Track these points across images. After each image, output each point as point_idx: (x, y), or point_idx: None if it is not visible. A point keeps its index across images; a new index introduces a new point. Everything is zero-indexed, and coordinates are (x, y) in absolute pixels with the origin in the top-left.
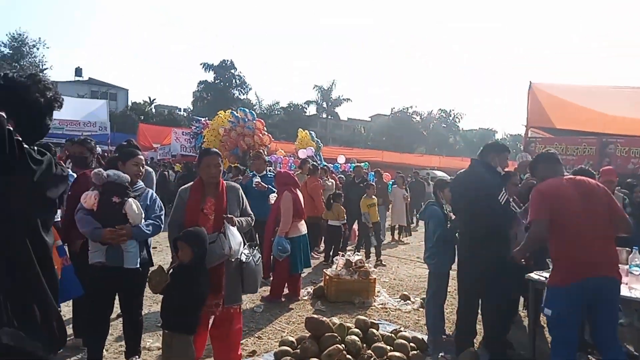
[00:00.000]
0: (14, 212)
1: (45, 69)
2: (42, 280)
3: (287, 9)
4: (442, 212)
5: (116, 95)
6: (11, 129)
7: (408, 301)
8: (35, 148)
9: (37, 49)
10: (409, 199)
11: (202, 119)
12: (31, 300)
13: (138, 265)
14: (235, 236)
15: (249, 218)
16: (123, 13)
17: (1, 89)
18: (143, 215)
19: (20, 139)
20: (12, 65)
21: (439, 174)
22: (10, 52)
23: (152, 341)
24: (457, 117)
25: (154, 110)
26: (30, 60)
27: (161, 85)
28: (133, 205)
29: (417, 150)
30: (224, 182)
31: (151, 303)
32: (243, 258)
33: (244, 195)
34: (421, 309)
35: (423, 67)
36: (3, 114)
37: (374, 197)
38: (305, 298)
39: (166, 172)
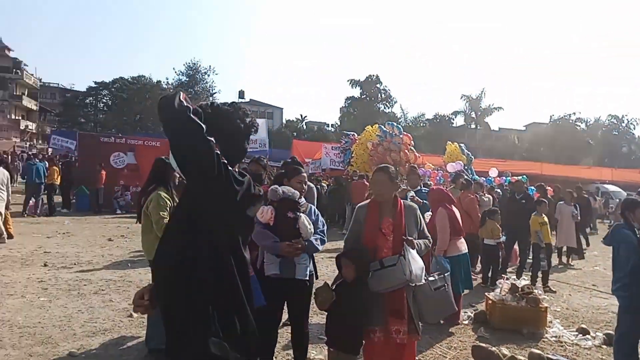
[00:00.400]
0: (219, 230)
1: (215, 93)
2: (242, 294)
3: (430, 20)
4: (635, 237)
5: (272, 114)
6: (218, 152)
7: (587, 336)
8: (237, 170)
9: (208, 75)
10: (578, 218)
11: (351, 134)
12: (233, 313)
13: (307, 277)
14: (416, 260)
15: (427, 240)
16: (279, 39)
17: (209, 117)
18: (312, 230)
19: (225, 161)
20: (188, 91)
21: (612, 188)
22: (187, 79)
23: (315, 353)
24: (631, 124)
25: (305, 126)
26: (202, 85)
27: (311, 103)
28: (305, 220)
29: (582, 162)
30: (401, 200)
31: (311, 314)
32: (420, 282)
33: (421, 216)
34: (605, 347)
35: (585, 70)
36: (213, 139)
37: (544, 215)
38: (466, 322)
39: (318, 187)
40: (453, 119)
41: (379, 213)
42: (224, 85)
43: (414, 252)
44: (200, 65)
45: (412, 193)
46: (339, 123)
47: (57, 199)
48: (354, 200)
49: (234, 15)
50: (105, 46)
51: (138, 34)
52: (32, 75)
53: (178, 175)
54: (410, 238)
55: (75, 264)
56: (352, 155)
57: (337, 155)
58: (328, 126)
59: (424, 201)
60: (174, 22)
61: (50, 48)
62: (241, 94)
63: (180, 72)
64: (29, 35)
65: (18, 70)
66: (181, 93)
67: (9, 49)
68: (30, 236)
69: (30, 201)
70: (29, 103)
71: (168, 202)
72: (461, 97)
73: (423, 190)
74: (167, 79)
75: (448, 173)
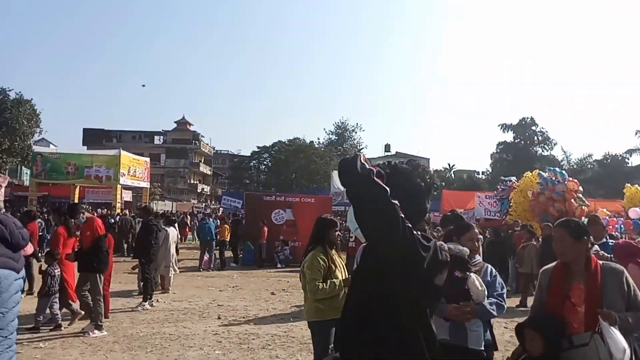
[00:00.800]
0: (405, 300)
1: (362, 148)
2: None
3: (588, 50)
4: None
5: None
6: (403, 216)
7: None
8: (419, 233)
9: (355, 132)
10: None
11: (509, 180)
12: None
13: (482, 347)
14: (616, 340)
15: None
16: (421, 88)
17: (388, 178)
18: (486, 292)
19: (410, 225)
20: (337, 148)
21: None
22: (336, 138)
23: None
24: None
25: (453, 175)
26: (350, 142)
27: (459, 151)
28: (476, 281)
29: None
30: (599, 262)
31: None
32: None
33: (631, 281)
34: None
35: None
36: (397, 202)
37: None
38: None
39: None
40: (628, 158)
41: (566, 278)
42: (370, 140)
43: (614, 329)
44: (348, 124)
45: (596, 247)
46: (490, 170)
47: (227, 253)
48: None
49: (375, 72)
50: (266, 113)
51: (294, 100)
52: (207, 144)
53: (338, 236)
54: (608, 311)
55: (243, 317)
56: (511, 203)
57: (493, 204)
58: (478, 174)
59: (611, 256)
60: (324, 86)
61: (222, 119)
62: (387, 148)
63: (330, 131)
64: (205, 109)
65: (196, 141)
66: (361, 155)
67: (190, 124)
68: (206, 289)
69: (205, 256)
70: (204, 169)
71: (322, 263)
72: (636, 134)
73: (610, 243)
74: (319, 138)
75: (631, 220)
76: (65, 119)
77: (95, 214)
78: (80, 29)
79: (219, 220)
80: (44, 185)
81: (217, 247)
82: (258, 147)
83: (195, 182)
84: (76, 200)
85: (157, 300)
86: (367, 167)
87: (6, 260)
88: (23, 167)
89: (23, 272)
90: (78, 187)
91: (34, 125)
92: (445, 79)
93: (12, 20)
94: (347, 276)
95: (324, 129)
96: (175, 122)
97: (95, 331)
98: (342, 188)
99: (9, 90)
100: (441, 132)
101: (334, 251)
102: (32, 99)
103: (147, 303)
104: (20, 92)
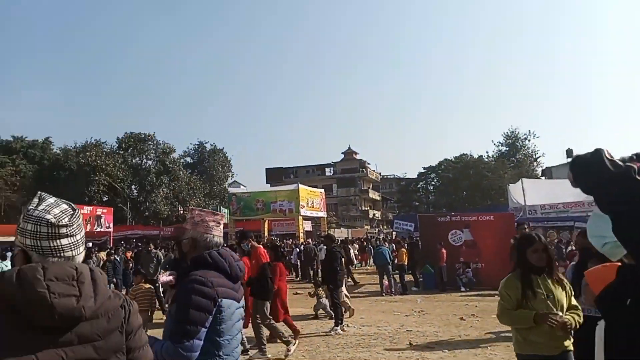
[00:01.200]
0: None
1: (538, 157)
2: None
3: None
4: None
5: None
6: None
7: None
8: None
9: (529, 140)
10: None
11: None
12: None
13: None
14: None
15: None
16: (599, 84)
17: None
18: None
19: None
20: (510, 160)
21: None
22: (507, 149)
23: None
24: None
25: None
26: (524, 152)
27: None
28: None
29: None
30: None
31: None
32: None
33: None
34: None
35: None
36: None
37: None
38: None
39: None
40: None
41: None
42: (547, 147)
43: None
44: (518, 132)
45: None
46: None
47: (407, 277)
48: None
49: (541, 72)
50: (427, 133)
51: (454, 115)
52: (374, 171)
53: (542, 257)
54: None
55: (436, 344)
56: None
57: None
58: None
59: None
60: (488, 97)
61: (384, 144)
62: (569, 153)
63: (500, 142)
64: (368, 137)
65: (363, 169)
66: (605, 150)
67: (356, 153)
68: (392, 314)
69: (384, 281)
70: (373, 195)
71: (514, 288)
72: None
73: None
74: (487, 152)
75: None
76: (250, 162)
77: (283, 243)
78: (250, 85)
79: (394, 245)
80: (239, 222)
81: (396, 272)
82: (424, 168)
83: (366, 209)
84: (266, 234)
85: (348, 325)
86: (621, 164)
87: (228, 291)
88: (221, 207)
89: (243, 301)
90: (266, 221)
91: (227, 170)
92: (630, 67)
93: (200, 86)
94: (557, 309)
95: (492, 141)
96: (342, 152)
97: (291, 347)
98: (521, 202)
99: (206, 143)
100: (628, 127)
101: (540, 277)
102: (223, 148)
103: (339, 327)
104: (214, 143)
